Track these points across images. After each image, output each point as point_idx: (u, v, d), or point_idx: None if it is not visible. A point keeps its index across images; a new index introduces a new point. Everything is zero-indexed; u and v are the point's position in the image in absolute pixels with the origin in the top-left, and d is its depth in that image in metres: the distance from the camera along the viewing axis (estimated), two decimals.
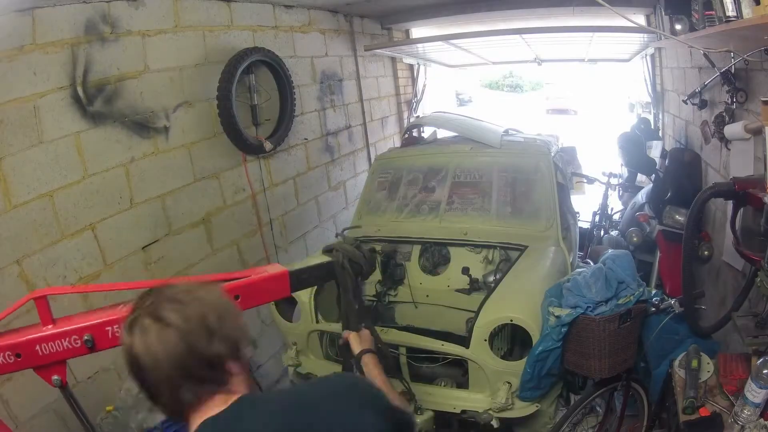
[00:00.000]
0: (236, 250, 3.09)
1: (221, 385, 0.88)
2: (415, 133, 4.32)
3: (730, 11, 1.74)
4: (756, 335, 1.66)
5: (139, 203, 2.45)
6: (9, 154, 1.91)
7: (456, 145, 3.35)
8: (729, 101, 2.49)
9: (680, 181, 3.26)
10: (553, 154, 3.10)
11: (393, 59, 5.29)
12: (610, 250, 2.25)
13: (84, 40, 2.15)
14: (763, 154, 2.03)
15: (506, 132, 3.51)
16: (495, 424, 2.10)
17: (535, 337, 2.04)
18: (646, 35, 3.97)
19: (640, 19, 3.94)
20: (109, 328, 1.31)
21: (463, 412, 2.17)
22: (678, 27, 2.49)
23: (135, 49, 2.39)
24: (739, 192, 1.88)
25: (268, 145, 3.17)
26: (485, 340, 2.07)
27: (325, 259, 1.78)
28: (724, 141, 2.64)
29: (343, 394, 0.91)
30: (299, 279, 1.57)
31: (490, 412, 2.09)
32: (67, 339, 1.29)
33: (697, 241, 2.74)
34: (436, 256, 2.91)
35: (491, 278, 2.59)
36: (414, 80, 5.75)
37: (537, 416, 2.20)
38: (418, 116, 5.46)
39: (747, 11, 1.66)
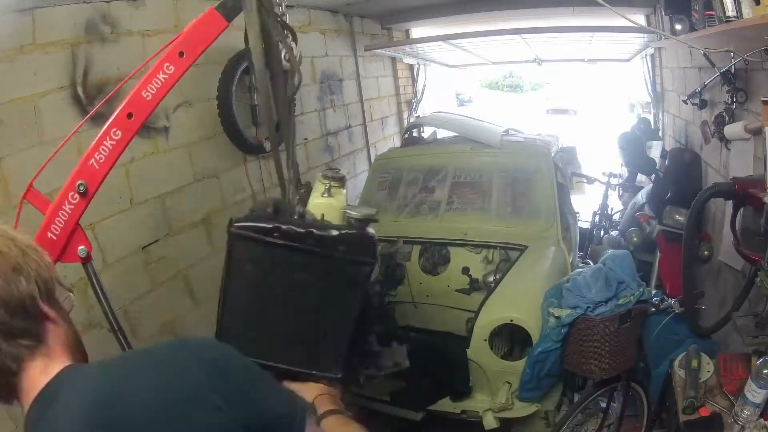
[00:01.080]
0: None
1: (40, 340, 0.74)
2: (415, 133, 4.33)
3: (730, 11, 1.75)
4: (756, 335, 1.65)
5: (139, 203, 2.45)
6: (9, 154, 1.91)
7: (456, 145, 3.35)
8: (729, 101, 2.49)
9: (680, 181, 3.27)
10: (553, 154, 3.10)
11: (393, 59, 5.29)
12: (610, 250, 2.25)
13: (84, 40, 2.15)
14: (763, 154, 2.03)
15: (506, 132, 3.51)
16: (495, 423, 2.10)
17: (535, 338, 2.04)
18: (646, 35, 3.97)
19: (640, 19, 3.94)
20: (92, 160, 1.33)
21: (463, 412, 2.18)
22: (678, 27, 2.49)
23: (135, 49, 2.39)
24: (739, 192, 1.88)
25: (268, 145, 3.17)
26: (485, 340, 2.08)
27: None
28: (724, 141, 2.64)
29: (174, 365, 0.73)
30: (225, 11, 1.55)
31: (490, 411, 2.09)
32: (65, 204, 1.31)
33: (697, 241, 2.74)
34: (436, 256, 2.91)
35: (491, 278, 2.59)
36: (414, 80, 5.75)
37: (538, 416, 2.20)
38: (418, 116, 5.46)
39: (747, 11, 1.66)
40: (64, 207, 1.29)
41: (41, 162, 2.01)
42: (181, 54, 1.41)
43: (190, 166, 2.73)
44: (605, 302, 1.98)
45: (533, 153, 3.14)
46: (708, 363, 1.76)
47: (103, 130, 1.34)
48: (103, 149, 1.34)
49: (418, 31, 5.43)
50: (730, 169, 2.56)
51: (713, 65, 2.64)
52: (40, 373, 0.74)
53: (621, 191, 4.70)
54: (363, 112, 4.62)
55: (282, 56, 1.58)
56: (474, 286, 2.69)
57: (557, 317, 1.98)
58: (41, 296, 0.75)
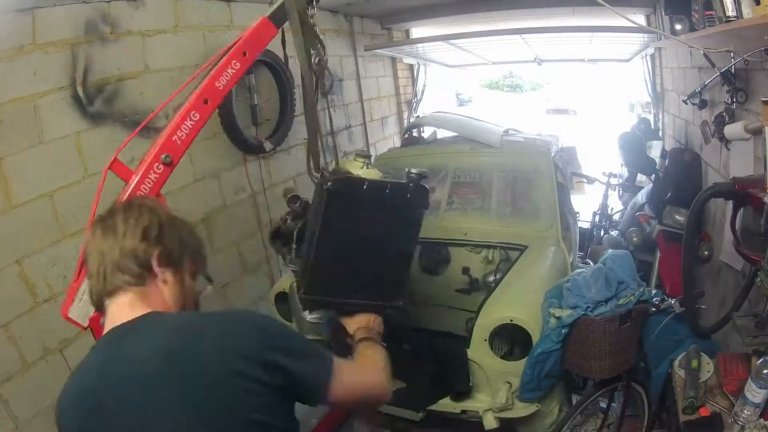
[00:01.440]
0: (236, 250, 3.09)
1: (139, 281, 0.92)
2: (415, 133, 4.32)
3: (730, 11, 1.75)
4: (756, 335, 1.65)
5: None
6: (9, 154, 1.91)
7: (456, 145, 3.34)
8: (729, 101, 2.49)
9: (680, 181, 3.26)
10: (553, 154, 3.10)
11: (393, 59, 5.29)
12: (610, 250, 2.25)
13: (84, 40, 2.15)
14: (763, 154, 2.03)
15: (506, 132, 3.50)
16: (495, 423, 2.10)
17: (535, 338, 2.03)
18: (646, 35, 3.97)
19: (640, 19, 3.94)
20: (174, 137, 1.58)
21: (463, 412, 2.17)
22: (678, 27, 2.49)
23: (135, 49, 2.39)
24: (739, 192, 1.88)
25: (268, 145, 3.17)
26: (485, 341, 2.07)
27: None
28: (724, 141, 2.64)
29: (236, 321, 0.93)
30: (275, 18, 1.86)
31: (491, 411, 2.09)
32: (151, 173, 1.55)
33: (697, 241, 2.74)
34: (436, 256, 2.91)
35: (491, 278, 2.59)
36: (414, 80, 5.75)
37: (538, 416, 2.20)
38: (418, 116, 5.46)
39: (747, 11, 1.66)
40: (149, 176, 1.52)
41: (41, 162, 2.02)
42: (244, 53, 1.73)
43: (190, 166, 2.73)
44: (605, 302, 1.98)
45: (533, 153, 3.14)
46: (708, 363, 1.76)
47: (182, 112, 1.59)
48: (184, 128, 1.58)
49: (418, 31, 5.43)
50: (730, 169, 2.56)
51: (713, 65, 2.64)
52: (128, 306, 0.91)
53: (621, 191, 4.70)
54: (363, 112, 4.62)
55: (313, 60, 1.87)
56: (474, 286, 2.69)
57: (558, 317, 1.98)
58: (161, 257, 0.94)
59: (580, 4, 3.79)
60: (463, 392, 2.17)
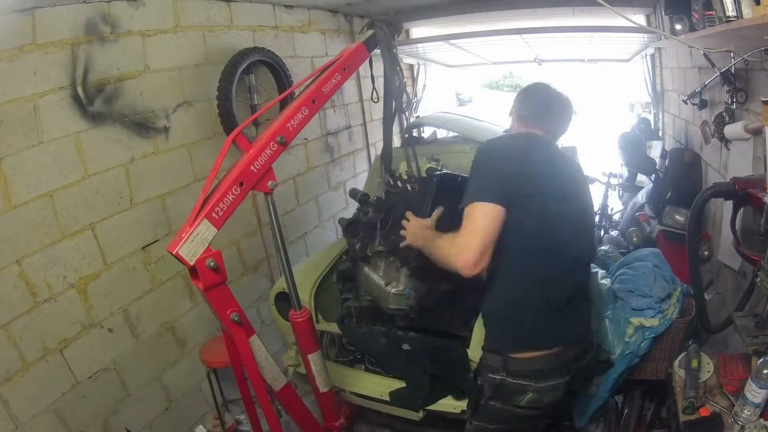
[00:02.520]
0: (236, 250, 3.09)
1: None
2: (415, 133, 4.32)
3: (730, 11, 1.74)
4: (756, 335, 1.65)
5: (139, 203, 2.45)
6: (9, 154, 1.91)
7: (456, 145, 3.34)
8: (729, 101, 2.49)
9: (680, 181, 3.26)
10: None
11: None
12: (645, 249, 2.21)
13: (84, 40, 2.15)
14: (763, 154, 2.03)
15: (506, 132, 3.50)
16: None
17: None
18: (646, 35, 3.97)
19: (640, 19, 3.93)
20: (288, 124, 1.87)
21: (463, 412, 2.17)
22: (678, 27, 2.49)
23: (135, 49, 2.39)
24: (739, 192, 1.88)
25: None
26: None
27: None
28: (724, 141, 2.64)
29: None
30: (368, 45, 2.28)
31: None
32: (268, 148, 1.79)
33: (697, 241, 2.74)
34: None
35: None
36: (414, 80, 5.75)
37: None
38: (418, 116, 5.46)
39: (747, 11, 1.66)
40: (265, 151, 1.79)
41: (41, 162, 2.02)
42: (344, 69, 2.08)
43: (190, 166, 2.74)
44: (666, 299, 1.95)
45: None
46: (708, 363, 1.76)
47: (294, 106, 1.90)
48: (296, 118, 1.88)
49: (418, 31, 5.42)
50: (730, 169, 2.56)
51: (713, 65, 2.64)
52: None
53: (621, 191, 4.70)
54: (363, 112, 4.62)
55: (397, 84, 2.37)
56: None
57: (648, 327, 1.88)
58: None
59: (580, 4, 3.78)
60: (464, 392, 2.17)
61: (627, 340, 1.92)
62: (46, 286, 2.03)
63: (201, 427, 2.41)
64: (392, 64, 2.31)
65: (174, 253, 1.52)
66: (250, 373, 1.78)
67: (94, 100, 2.22)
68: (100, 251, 2.27)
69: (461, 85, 17.36)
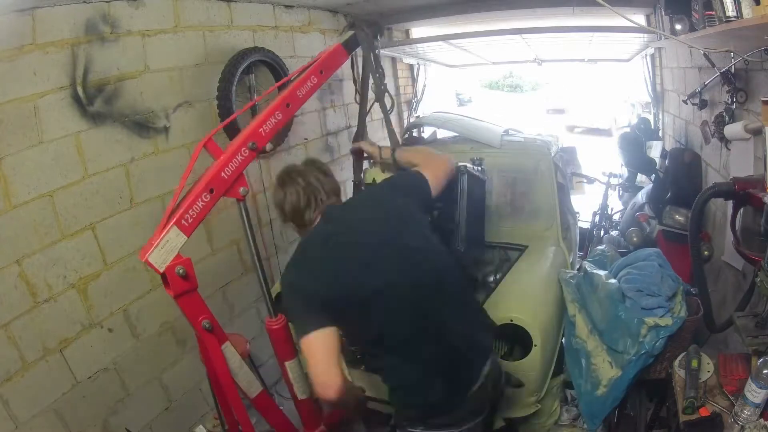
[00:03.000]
0: (236, 249, 3.08)
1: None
2: (415, 133, 4.32)
3: (730, 11, 1.74)
4: (756, 335, 1.65)
5: (139, 203, 2.45)
6: (9, 154, 1.91)
7: (456, 145, 3.34)
8: (729, 101, 2.49)
9: (680, 181, 3.27)
10: (553, 154, 3.09)
11: (393, 59, 5.29)
12: (648, 249, 2.22)
13: (84, 40, 2.15)
14: (763, 154, 2.03)
15: (506, 132, 3.50)
16: (501, 422, 2.10)
17: (536, 338, 2.03)
18: (646, 35, 3.97)
19: (640, 19, 3.93)
20: (261, 129, 1.85)
21: None
22: (678, 27, 2.49)
23: (135, 49, 2.39)
24: (739, 192, 1.88)
25: (268, 145, 3.15)
26: None
27: None
28: (724, 141, 2.64)
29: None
30: (347, 46, 2.29)
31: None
32: (239, 154, 1.76)
33: (698, 241, 2.74)
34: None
35: (491, 278, 2.59)
36: (414, 80, 5.74)
37: (538, 416, 2.20)
38: (418, 116, 5.46)
39: (747, 11, 1.66)
40: (236, 157, 1.76)
41: (41, 162, 2.02)
42: (320, 72, 2.05)
43: None
44: (672, 298, 1.94)
45: (533, 153, 3.13)
46: (708, 363, 1.76)
47: (267, 110, 1.88)
48: (268, 123, 1.85)
49: (418, 31, 5.42)
50: (730, 169, 2.56)
51: (713, 65, 2.64)
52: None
53: (621, 191, 4.70)
54: None
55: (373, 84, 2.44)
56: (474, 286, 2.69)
57: (664, 326, 1.87)
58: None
59: (580, 4, 3.78)
60: None
61: (641, 340, 1.90)
62: (46, 286, 2.03)
63: (201, 427, 2.41)
64: (374, 65, 2.33)
65: (144, 260, 1.51)
66: (221, 379, 1.76)
67: (94, 100, 2.22)
68: (100, 251, 2.27)
69: (461, 85, 17.37)
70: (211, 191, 1.67)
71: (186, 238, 1.59)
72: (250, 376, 1.86)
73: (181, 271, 1.56)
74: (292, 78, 2.08)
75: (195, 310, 1.67)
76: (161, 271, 1.54)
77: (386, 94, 2.56)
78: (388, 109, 2.60)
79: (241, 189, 1.77)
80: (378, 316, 1.45)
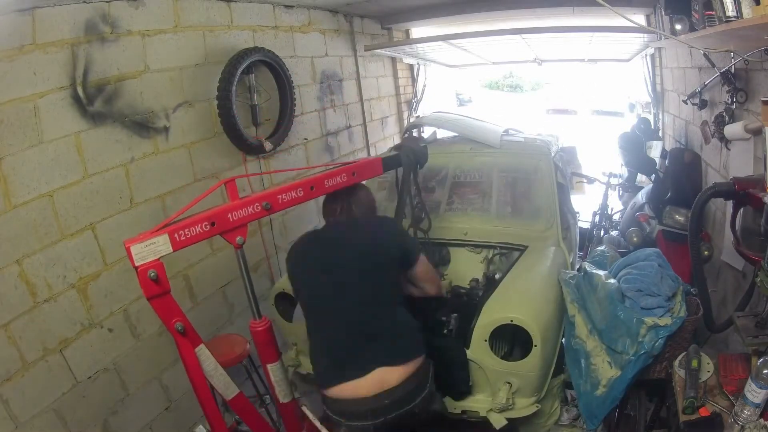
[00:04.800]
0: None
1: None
2: (415, 133, 4.32)
3: (730, 11, 1.74)
4: (756, 335, 1.65)
5: (139, 203, 2.45)
6: (9, 154, 1.91)
7: (456, 145, 3.34)
8: (729, 101, 2.49)
9: (680, 181, 3.26)
10: (553, 154, 3.09)
11: (393, 59, 5.29)
12: (648, 249, 2.22)
13: (84, 40, 2.15)
14: (763, 154, 2.03)
15: (506, 132, 3.50)
16: (504, 422, 2.10)
17: (536, 338, 2.03)
18: (646, 35, 3.97)
19: (640, 19, 3.94)
20: (280, 196, 1.85)
21: (463, 412, 2.17)
22: (678, 27, 2.49)
23: (135, 49, 2.39)
24: (739, 192, 1.88)
25: (268, 145, 3.17)
26: (485, 341, 2.07)
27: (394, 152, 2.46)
28: (724, 141, 2.64)
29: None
30: (386, 164, 2.27)
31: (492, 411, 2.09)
32: (251, 206, 1.78)
33: (698, 241, 2.74)
34: (436, 256, 2.91)
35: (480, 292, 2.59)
36: (414, 80, 5.75)
37: (539, 416, 2.20)
38: (418, 116, 5.46)
39: (747, 11, 1.66)
40: (248, 207, 1.78)
41: (41, 162, 2.02)
42: (353, 173, 2.05)
43: (190, 166, 2.74)
44: (672, 298, 1.94)
45: (533, 153, 3.13)
46: (708, 363, 1.76)
47: (294, 183, 1.90)
48: (287, 195, 1.87)
49: (418, 31, 5.43)
50: (730, 169, 2.56)
51: (713, 65, 2.64)
52: None
53: (621, 191, 4.70)
54: (363, 112, 4.62)
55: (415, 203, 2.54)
56: (475, 289, 2.69)
57: (663, 326, 1.86)
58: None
59: (580, 4, 3.78)
60: (463, 392, 2.17)
61: (641, 340, 1.90)
62: (46, 286, 2.03)
63: (201, 427, 2.40)
64: (415, 190, 2.45)
65: (126, 246, 1.53)
66: (195, 381, 1.74)
67: (94, 100, 2.22)
68: (100, 251, 2.27)
69: (461, 85, 17.37)
70: (213, 224, 1.67)
71: (171, 250, 1.59)
72: (226, 379, 1.85)
73: (153, 274, 1.56)
74: (323, 167, 2.16)
75: (168, 313, 1.66)
76: (135, 264, 1.55)
77: (425, 212, 2.60)
78: (426, 230, 2.62)
79: (238, 238, 1.77)
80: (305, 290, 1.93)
